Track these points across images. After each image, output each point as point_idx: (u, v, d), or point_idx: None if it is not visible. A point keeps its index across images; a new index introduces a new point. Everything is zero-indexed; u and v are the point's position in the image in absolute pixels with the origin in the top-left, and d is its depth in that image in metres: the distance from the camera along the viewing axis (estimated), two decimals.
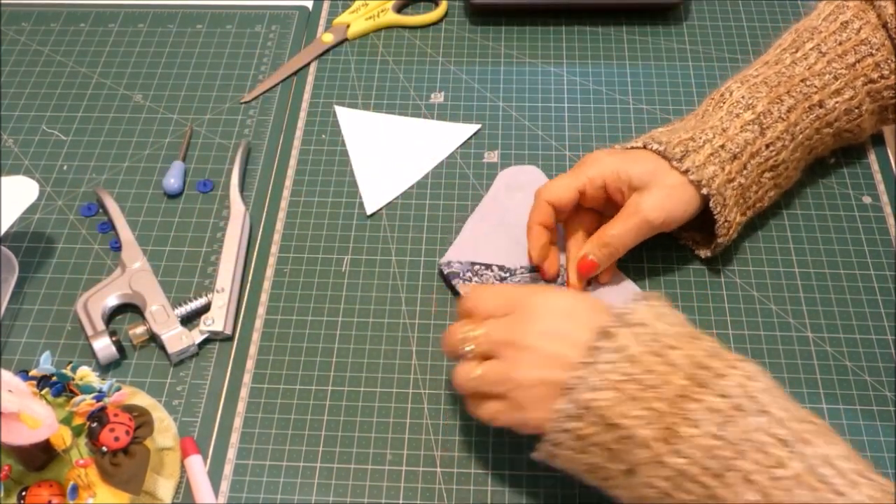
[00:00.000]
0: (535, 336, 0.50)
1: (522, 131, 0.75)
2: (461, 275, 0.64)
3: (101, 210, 0.71)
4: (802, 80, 0.64)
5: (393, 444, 0.58)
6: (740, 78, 0.66)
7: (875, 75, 0.65)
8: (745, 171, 0.62)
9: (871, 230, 0.68)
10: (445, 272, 0.65)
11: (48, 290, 0.67)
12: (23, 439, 0.49)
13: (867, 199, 0.70)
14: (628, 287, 0.64)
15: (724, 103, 0.64)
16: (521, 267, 0.65)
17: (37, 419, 0.49)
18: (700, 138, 0.61)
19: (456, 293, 0.64)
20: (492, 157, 0.74)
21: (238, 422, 0.60)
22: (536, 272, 0.64)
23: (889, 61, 0.65)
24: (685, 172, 0.60)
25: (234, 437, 0.59)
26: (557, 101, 0.77)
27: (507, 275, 0.64)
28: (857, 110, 0.66)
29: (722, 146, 0.61)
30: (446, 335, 0.54)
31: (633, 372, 0.46)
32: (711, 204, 0.60)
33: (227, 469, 0.58)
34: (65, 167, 0.74)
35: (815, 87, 0.64)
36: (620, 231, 0.61)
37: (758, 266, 0.66)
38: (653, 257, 0.67)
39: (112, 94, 0.79)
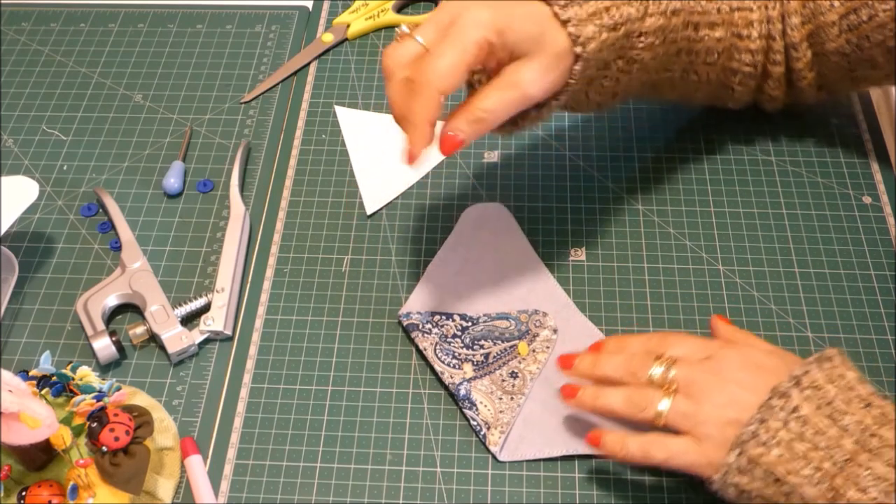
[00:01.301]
0: (729, 381, 0.51)
1: (522, 131, 0.75)
2: (420, 326, 0.61)
3: (101, 210, 0.71)
4: None
5: (393, 444, 0.58)
6: None
7: (744, 32, 0.63)
8: (612, 47, 0.56)
9: (871, 230, 0.68)
10: (405, 324, 0.62)
11: (48, 290, 0.67)
12: (23, 439, 0.49)
13: (867, 199, 0.70)
14: (588, 329, 0.63)
15: None
16: (484, 315, 0.63)
17: (37, 419, 0.49)
18: None
19: (416, 346, 0.62)
20: (492, 157, 0.74)
21: (238, 422, 0.60)
22: (499, 320, 0.62)
23: (762, 24, 0.63)
24: (566, 22, 0.53)
25: (234, 437, 0.59)
26: None
27: (469, 324, 0.62)
28: (716, 55, 0.63)
29: (606, 9, 0.55)
30: (630, 360, 0.54)
31: (804, 432, 0.48)
32: (577, 67, 0.54)
33: (227, 469, 0.58)
34: (65, 167, 0.74)
35: (701, 7, 0.61)
36: (496, 105, 0.52)
37: (758, 266, 0.66)
38: (652, 258, 0.67)
39: (112, 94, 0.79)
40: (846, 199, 0.70)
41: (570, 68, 0.54)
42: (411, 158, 0.53)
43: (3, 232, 0.62)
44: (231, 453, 0.58)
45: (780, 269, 0.66)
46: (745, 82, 0.67)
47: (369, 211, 0.70)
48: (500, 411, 0.58)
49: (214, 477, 0.57)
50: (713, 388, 0.51)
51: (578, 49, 0.53)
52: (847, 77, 0.66)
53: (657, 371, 0.53)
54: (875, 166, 0.72)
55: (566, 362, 0.57)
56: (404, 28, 0.53)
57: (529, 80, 0.52)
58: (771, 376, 0.51)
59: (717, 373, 0.52)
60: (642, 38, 0.58)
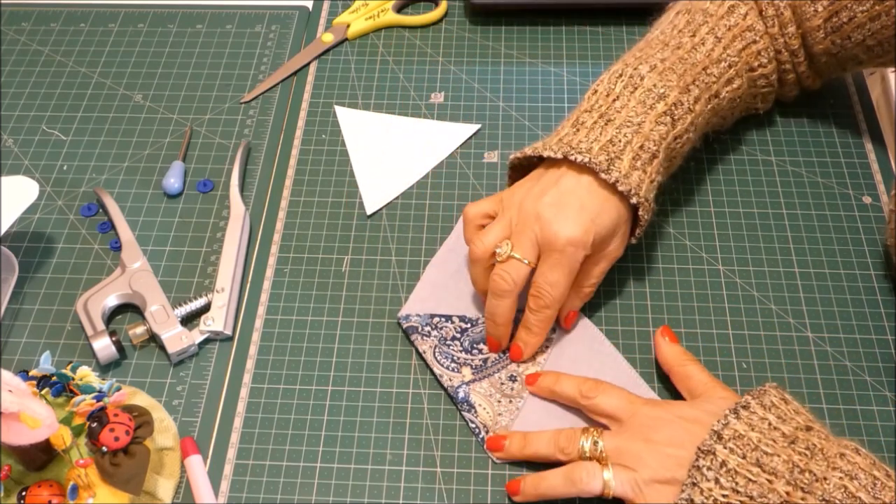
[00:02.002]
0: (657, 443, 0.52)
1: (522, 131, 0.75)
2: (420, 329, 0.62)
3: (101, 210, 0.71)
4: (704, 69, 0.63)
5: (393, 444, 0.58)
6: (644, 58, 0.63)
7: (755, 63, 0.66)
8: (661, 169, 0.61)
9: (871, 230, 0.68)
10: (404, 326, 0.62)
11: (48, 290, 0.67)
12: (23, 439, 0.49)
13: (867, 199, 0.70)
14: (588, 329, 0.63)
15: (634, 89, 0.61)
16: (483, 316, 0.62)
17: (37, 419, 0.49)
18: (620, 140, 0.58)
19: (415, 348, 0.62)
20: (492, 157, 0.74)
21: (238, 422, 0.60)
22: None
23: (769, 50, 0.66)
24: (614, 183, 0.57)
25: (234, 437, 0.59)
26: (557, 101, 0.77)
27: (469, 325, 0.62)
28: (738, 99, 0.67)
29: (641, 147, 0.59)
30: (557, 437, 0.54)
31: (736, 484, 0.48)
32: (641, 212, 0.59)
33: (227, 469, 0.58)
34: (65, 167, 0.74)
35: (714, 76, 0.64)
36: (597, 278, 0.61)
37: (758, 266, 0.66)
38: (652, 258, 0.67)
39: (112, 94, 0.79)
40: (846, 199, 0.70)
41: (636, 213, 0.60)
42: (496, 347, 0.61)
43: (3, 232, 0.62)
44: (231, 453, 0.58)
45: (780, 269, 0.66)
46: (766, 99, 0.71)
47: (369, 211, 0.70)
48: (499, 414, 0.58)
49: (214, 477, 0.57)
50: (643, 453, 0.51)
51: (634, 200, 0.58)
52: (838, 70, 0.70)
53: (586, 444, 0.53)
54: (875, 166, 0.72)
55: (496, 444, 0.57)
56: (504, 249, 0.58)
57: (616, 251, 0.60)
58: (696, 426, 0.51)
59: (644, 437, 0.52)
60: (679, 139, 0.61)
